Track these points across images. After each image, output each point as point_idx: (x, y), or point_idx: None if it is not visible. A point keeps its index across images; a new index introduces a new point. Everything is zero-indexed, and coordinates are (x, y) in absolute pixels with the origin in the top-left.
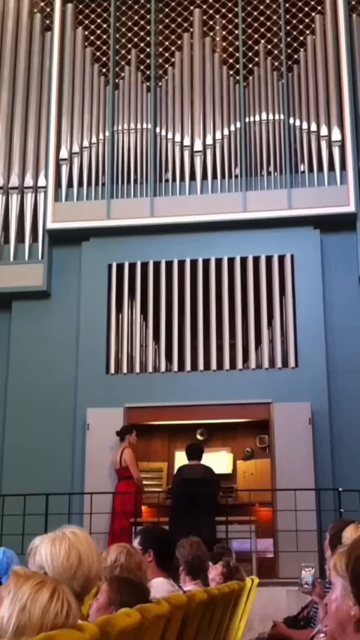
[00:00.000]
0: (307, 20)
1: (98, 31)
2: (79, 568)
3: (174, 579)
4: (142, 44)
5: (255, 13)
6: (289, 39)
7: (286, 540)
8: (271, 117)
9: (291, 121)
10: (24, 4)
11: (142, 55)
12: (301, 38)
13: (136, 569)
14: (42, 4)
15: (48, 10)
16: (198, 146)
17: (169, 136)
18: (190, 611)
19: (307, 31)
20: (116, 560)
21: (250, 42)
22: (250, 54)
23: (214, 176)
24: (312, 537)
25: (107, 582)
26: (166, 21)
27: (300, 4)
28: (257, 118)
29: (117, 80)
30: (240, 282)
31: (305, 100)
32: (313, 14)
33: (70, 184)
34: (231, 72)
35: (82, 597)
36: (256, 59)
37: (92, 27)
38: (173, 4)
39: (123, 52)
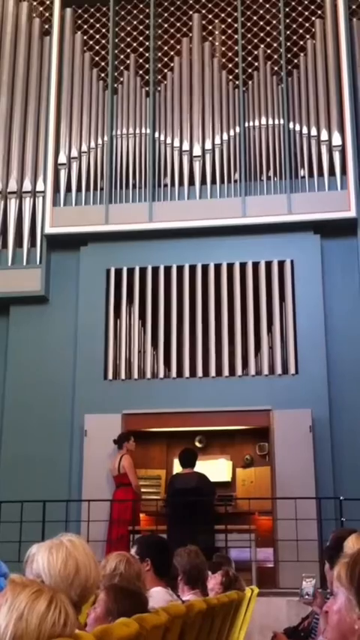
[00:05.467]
0: (307, 24)
1: (97, 36)
2: (76, 577)
3: (172, 588)
4: (141, 49)
5: (254, 18)
6: (288, 43)
7: (286, 550)
8: (270, 121)
9: (291, 125)
10: (23, 9)
11: (141, 60)
12: (301, 42)
13: (136, 578)
14: (41, 8)
15: (47, 14)
16: (197, 151)
17: (168, 140)
18: (189, 621)
19: (307, 36)
20: (115, 568)
21: (249, 46)
22: (249, 58)
23: (214, 181)
24: (313, 547)
25: (105, 591)
26: (165, 26)
27: (300, 8)
28: (257, 123)
29: (116, 85)
30: (239, 288)
31: (305, 104)
32: (313, 18)
33: (68, 189)
34: (230, 76)
35: (80, 606)
36: (256, 64)
37: (91, 32)
38: (172, 8)
39: (122, 56)
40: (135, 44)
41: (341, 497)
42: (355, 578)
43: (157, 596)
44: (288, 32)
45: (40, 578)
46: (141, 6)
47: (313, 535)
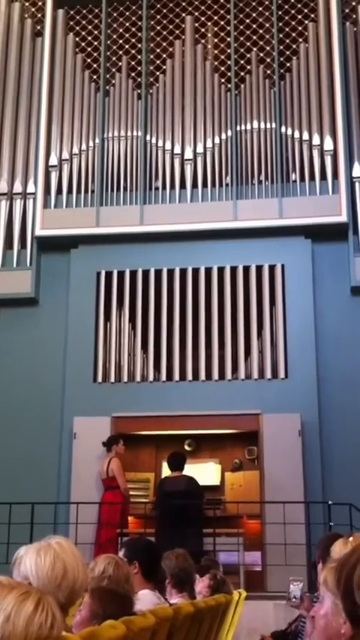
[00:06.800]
0: (299, 28)
1: (89, 38)
2: (64, 579)
3: (160, 591)
4: (133, 51)
5: (247, 21)
6: (281, 47)
7: (274, 553)
8: (262, 125)
9: (283, 129)
10: (15, 10)
11: (133, 62)
12: (294, 46)
13: (124, 581)
14: (33, 9)
15: (39, 15)
16: (188, 154)
17: (160, 143)
18: (177, 624)
19: (300, 39)
20: (104, 571)
21: (242, 49)
22: (242, 62)
23: (205, 184)
24: (301, 551)
25: (90, 594)
26: (158, 28)
27: (293, 11)
28: (249, 127)
29: (108, 87)
30: (230, 292)
31: (297, 108)
32: (306, 22)
33: (59, 191)
34: (223, 80)
35: (67, 608)
36: (248, 67)
37: (83, 33)
38: (165, 10)
39: (114, 58)
40: (127, 46)
41: (330, 502)
42: (341, 583)
43: (145, 598)
44: (281, 36)
45: (27, 580)
46: (133, 8)
47: (302, 539)
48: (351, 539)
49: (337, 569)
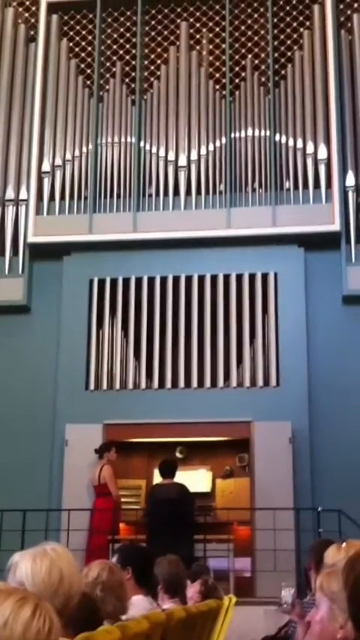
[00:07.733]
0: (295, 36)
1: (83, 43)
2: (60, 585)
3: (152, 597)
4: (127, 57)
5: (242, 28)
6: (276, 54)
7: (264, 560)
8: (257, 133)
9: (277, 137)
10: (8, 15)
11: (127, 68)
12: (289, 54)
13: (118, 587)
14: (26, 14)
15: (32, 20)
16: (182, 161)
17: (154, 150)
18: (170, 629)
19: (295, 47)
20: (98, 576)
21: (237, 56)
22: (236, 68)
23: (199, 192)
24: (290, 557)
25: None
26: (152, 34)
27: (288, 19)
28: (243, 134)
29: (101, 93)
30: (222, 300)
31: (292, 116)
32: (302, 30)
33: (52, 198)
34: (217, 86)
35: (63, 614)
36: (243, 74)
37: (77, 38)
38: (160, 16)
39: (108, 64)
40: (121, 52)
41: (319, 509)
42: (348, 585)
43: (138, 604)
44: (276, 43)
45: (22, 586)
46: (128, 13)
47: (291, 545)
48: (344, 545)
49: (343, 572)
